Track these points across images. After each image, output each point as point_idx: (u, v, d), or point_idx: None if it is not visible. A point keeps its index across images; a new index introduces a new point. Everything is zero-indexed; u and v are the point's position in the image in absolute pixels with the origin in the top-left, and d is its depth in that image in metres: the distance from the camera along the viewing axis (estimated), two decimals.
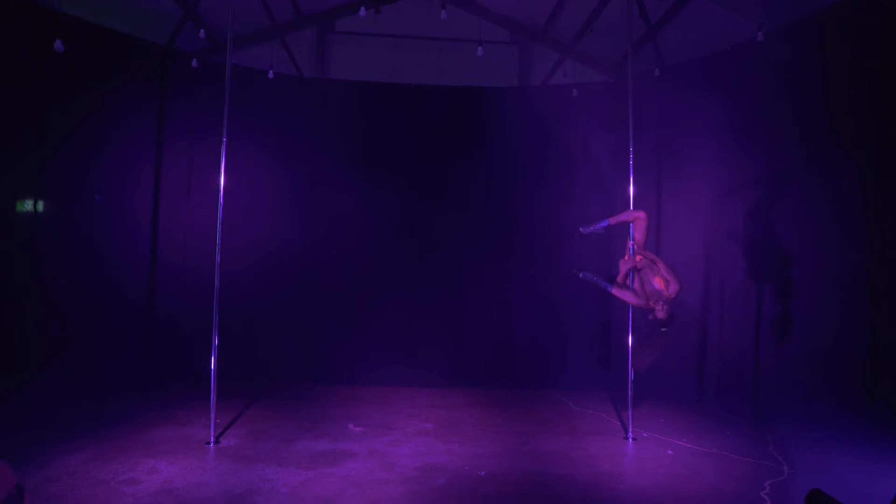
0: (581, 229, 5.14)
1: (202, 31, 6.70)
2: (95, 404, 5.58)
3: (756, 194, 6.08)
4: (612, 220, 5.07)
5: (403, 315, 7.50)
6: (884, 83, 4.96)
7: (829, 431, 5.00)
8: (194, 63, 6.83)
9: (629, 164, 5.18)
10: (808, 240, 5.57)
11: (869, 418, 4.94)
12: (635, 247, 4.97)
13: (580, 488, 3.89)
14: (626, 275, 4.97)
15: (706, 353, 6.44)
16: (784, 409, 5.59)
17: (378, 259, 7.54)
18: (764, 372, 5.90)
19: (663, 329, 4.81)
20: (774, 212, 5.91)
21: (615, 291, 4.91)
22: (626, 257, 5.02)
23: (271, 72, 7.23)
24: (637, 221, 4.97)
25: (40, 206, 6.00)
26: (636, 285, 4.94)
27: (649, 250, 5.09)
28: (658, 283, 4.76)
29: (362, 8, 6.38)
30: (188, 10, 6.75)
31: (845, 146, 5.29)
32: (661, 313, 4.70)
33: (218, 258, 4.74)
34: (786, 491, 3.85)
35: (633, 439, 4.97)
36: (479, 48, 6.64)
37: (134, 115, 6.66)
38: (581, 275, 5.08)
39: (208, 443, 4.62)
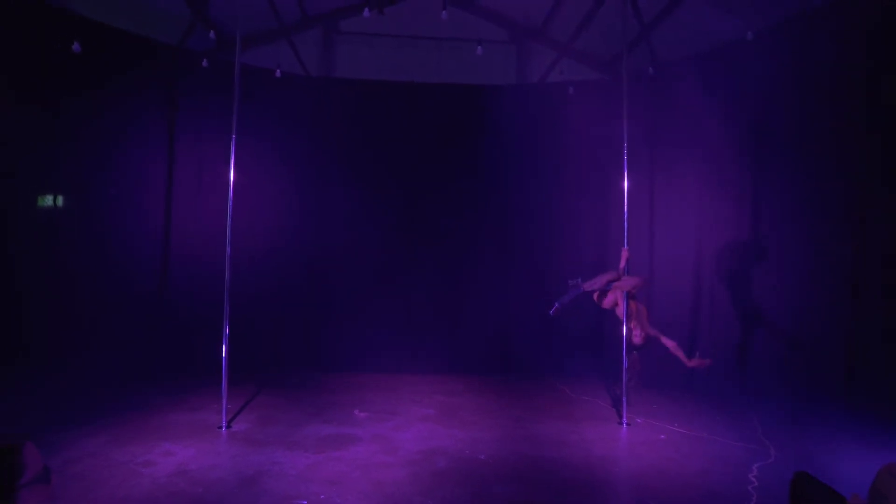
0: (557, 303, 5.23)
1: (212, 31, 6.88)
2: (111, 390, 5.78)
3: (746, 190, 6.24)
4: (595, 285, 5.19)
5: (405, 306, 7.66)
6: (874, 83, 5.08)
7: (814, 416, 5.17)
8: (204, 63, 7.01)
9: (623, 159, 5.34)
10: (796, 234, 5.73)
11: (849, 404, 5.11)
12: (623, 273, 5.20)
13: (575, 471, 4.05)
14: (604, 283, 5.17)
15: (697, 340, 6.60)
16: (771, 395, 5.76)
17: (380, 252, 7.71)
18: (752, 360, 6.07)
19: (634, 351, 5.12)
20: (763, 207, 6.07)
21: (587, 287, 5.16)
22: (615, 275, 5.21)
23: (278, 71, 7.41)
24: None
25: (57, 201, 6.21)
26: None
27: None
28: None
29: (366, 9, 6.54)
30: (198, 11, 6.93)
31: (834, 145, 5.43)
32: (637, 339, 5.07)
33: (228, 251, 4.92)
34: (773, 473, 4.00)
35: (627, 424, 5.14)
36: (479, 47, 6.79)
37: (146, 113, 6.86)
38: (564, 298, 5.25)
39: (220, 427, 4.82)
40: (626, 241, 5.31)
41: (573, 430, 5.02)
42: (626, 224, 5.33)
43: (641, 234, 7.02)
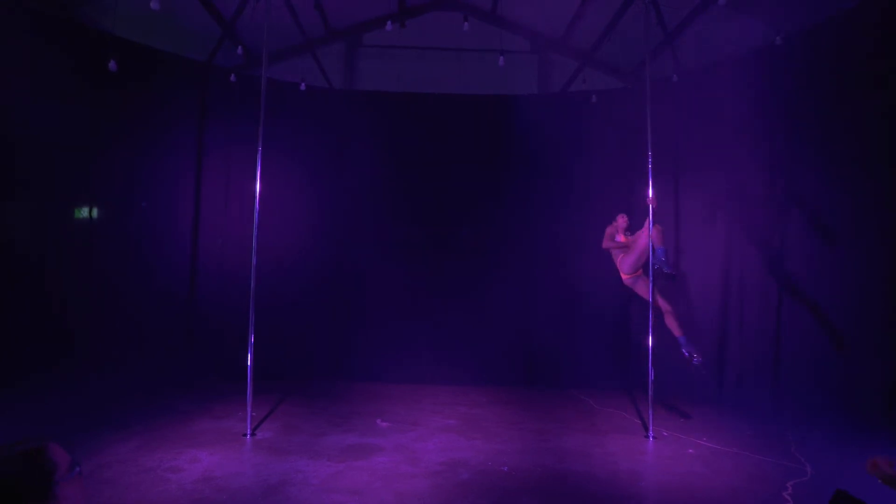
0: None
1: (239, 47, 7.08)
2: (141, 396, 5.92)
3: (775, 198, 6.08)
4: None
5: (428, 317, 7.67)
6: None
7: (852, 432, 4.94)
8: (232, 78, 7.21)
9: (648, 168, 5.28)
10: (829, 243, 5.55)
11: (891, 418, 4.87)
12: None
13: (600, 485, 3.97)
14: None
15: (726, 353, 6.44)
16: (806, 409, 5.56)
17: (404, 262, 7.75)
18: (785, 372, 5.88)
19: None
20: (793, 216, 5.90)
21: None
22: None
23: (303, 84, 7.57)
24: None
25: (94, 213, 6.45)
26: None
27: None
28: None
29: (388, 22, 6.66)
30: (227, 28, 7.15)
31: (866, 151, 5.26)
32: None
33: (254, 261, 5.01)
34: (809, 491, 3.83)
35: (654, 438, 5.01)
36: (501, 58, 6.81)
37: (177, 127, 7.11)
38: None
39: (245, 435, 4.87)
40: (651, 257, 5.22)
41: (598, 442, 4.93)
42: (650, 233, 5.25)
43: (667, 242, 6.89)
